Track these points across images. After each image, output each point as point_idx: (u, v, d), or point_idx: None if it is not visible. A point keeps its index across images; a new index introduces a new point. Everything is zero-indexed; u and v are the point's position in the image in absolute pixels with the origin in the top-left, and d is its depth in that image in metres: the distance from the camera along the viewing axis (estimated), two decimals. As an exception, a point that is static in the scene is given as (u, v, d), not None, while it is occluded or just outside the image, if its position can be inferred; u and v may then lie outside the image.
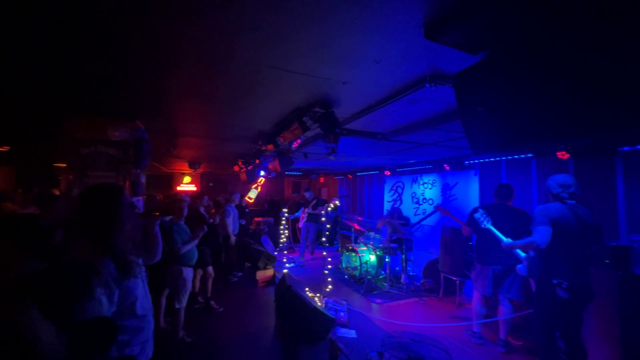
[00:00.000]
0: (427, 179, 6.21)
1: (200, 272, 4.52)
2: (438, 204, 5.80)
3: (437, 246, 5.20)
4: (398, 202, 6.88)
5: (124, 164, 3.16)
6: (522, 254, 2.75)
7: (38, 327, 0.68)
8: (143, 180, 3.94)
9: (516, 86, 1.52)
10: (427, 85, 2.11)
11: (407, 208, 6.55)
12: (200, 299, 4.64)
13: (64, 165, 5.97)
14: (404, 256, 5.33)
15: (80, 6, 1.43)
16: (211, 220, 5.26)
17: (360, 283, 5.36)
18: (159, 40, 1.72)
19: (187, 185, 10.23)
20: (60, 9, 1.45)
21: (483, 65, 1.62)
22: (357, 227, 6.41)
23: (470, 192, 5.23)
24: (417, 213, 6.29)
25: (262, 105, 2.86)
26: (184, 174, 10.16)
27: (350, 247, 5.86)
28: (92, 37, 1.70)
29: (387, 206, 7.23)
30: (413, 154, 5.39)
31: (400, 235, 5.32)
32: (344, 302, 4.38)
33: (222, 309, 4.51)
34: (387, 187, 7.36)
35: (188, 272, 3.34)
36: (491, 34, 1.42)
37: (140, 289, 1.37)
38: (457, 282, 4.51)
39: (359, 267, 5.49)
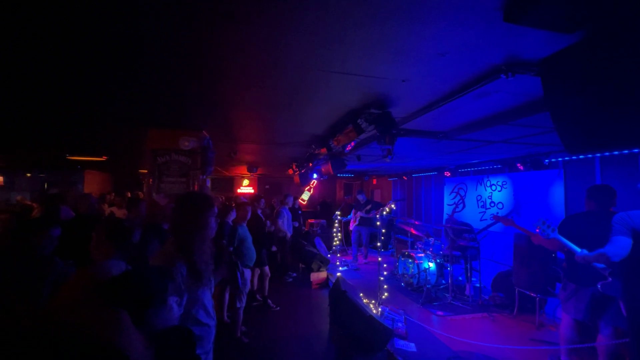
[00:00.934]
0: (496, 180, 5.56)
1: (257, 271, 4.73)
2: (496, 213, 5.13)
3: (508, 256, 4.61)
4: (460, 206, 6.31)
5: (192, 170, 3.47)
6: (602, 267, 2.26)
7: (131, 335, 0.71)
8: (208, 184, 4.29)
9: (628, 69, 1.22)
10: (503, 75, 1.85)
11: (472, 212, 5.96)
12: (258, 297, 4.86)
13: (147, 171, 6.85)
14: (468, 265, 4.84)
15: (163, 38, 1.58)
16: (268, 223, 5.49)
17: (418, 292, 5.04)
18: (220, 52, 1.81)
19: (245, 187, 10.92)
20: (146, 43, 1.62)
21: (581, 46, 1.34)
22: (414, 232, 6.05)
23: (553, 195, 4.51)
24: (483, 218, 5.68)
25: (315, 110, 2.86)
26: (243, 177, 10.87)
27: (406, 253, 5.55)
28: (166, 57, 1.87)
29: (447, 210, 6.69)
30: (479, 153, 4.87)
31: (464, 243, 4.85)
32: (402, 312, 4.14)
33: (278, 308, 4.65)
34: (447, 190, 6.81)
35: (247, 273, 3.51)
36: (596, 6, 1.15)
37: (208, 298, 1.43)
38: (537, 299, 3.92)
39: (416, 275, 5.16)
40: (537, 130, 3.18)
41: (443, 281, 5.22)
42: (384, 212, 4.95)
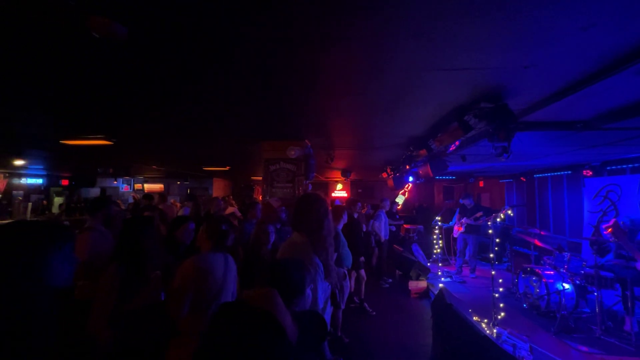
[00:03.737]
0: (672, 179, 4.08)
1: (354, 274, 4.82)
2: None
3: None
4: (611, 214, 4.88)
5: (297, 176, 3.86)
6: None
7: (283, 311, 0.87)
8: (310, 189, 4.66)
9: None
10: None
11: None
12: (355, 299, 4.94)
13: (259, 178, 7.92)
14: (628, 293, 3.68)
15: (280, 58, 1.84)
16: (364, 227, 5.53)
17: (548, 318, 4.13)
18: (325, 67, 1.96)
19: (339, 192, 11.33)
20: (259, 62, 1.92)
21: None
22: (539, 244, 5.01)
23: None
24: (651, 231, 4.23)
25: (416, 111, 2.75)
26: (337, 182, 11.32)
27: (529, 269, 4.65)
28: (280, 75, 2.15)
29: (588, 218, 5.29)
30: (638, 145, 3.69)
31: (619, 262, 3.73)
32: (526, 339, 3.48)
33: (374, 312, 4.61)
34: (587, 193, 5.39)
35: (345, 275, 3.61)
36: None
37: (327, 292, 1.57)
38: None
39: (545, 296, 4.25)
40: None
41: (586, 309, 4.13)
42: (498, 220, 4.30)
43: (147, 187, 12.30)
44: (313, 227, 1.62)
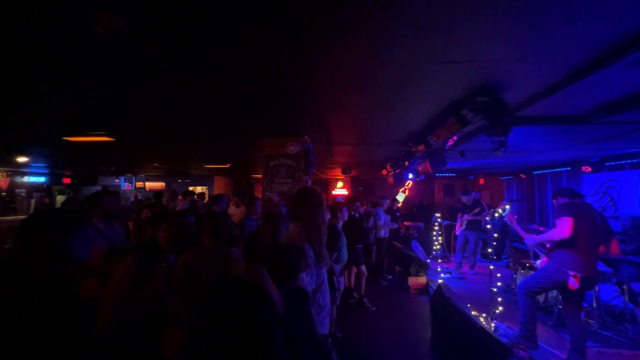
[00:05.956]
0: (671, 175, 4.09)
1: (354, 269, 4.85)
2: None
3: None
4: (610, 210, 4.90)
5: (297, 171, 3.90)
6: None
7: (270, 283, 0.93)
8: (310, 184, 4.70)
9: None
10: (676, 30, 1.39)
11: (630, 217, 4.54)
12: (355, 294, 4.98)
13: (259, 176, 7.96)
14: (625, 287, 3.71)
15: (280, 53, 1.87)
16: (364, 224, 5.56)
17: (546, 312, 4.15)
18: (324, 63, 1.99)
19: (340, 189, 11.36)
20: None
21: None
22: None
23: None
24: (649, 226, 4.26)
25: (413, 105, 2.78)
26: (337, 180, 11.35)
27: (527, 264, 4.67)
28: (279, 71, 2.19)
29: (587, 214, 5.30)
30: (638, 140, 3.71)
31: (617, 257, 3.75)
32: (523, 332, 3.51)
33: (374, 308, 4.64)
34: (586, 189, 5.40)
35: (338, 270, 3.64)
36: None
37: (326, 282, 1.63)
38: None
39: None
40: None
41: (584, 304, 4.15)
42: (496, 215, 4.32)
43: (149, 185, 12.36)
44: (308, 217, 1.73)
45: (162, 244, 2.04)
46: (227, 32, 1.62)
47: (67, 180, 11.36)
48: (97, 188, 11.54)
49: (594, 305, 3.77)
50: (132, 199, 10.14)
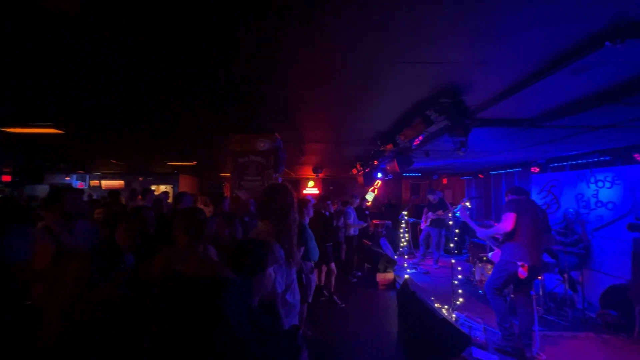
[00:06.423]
0: (603, 175, 4.62)
1: (324, 268, 4.88)
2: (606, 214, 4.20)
3: (622, 266, 3.78)
4: (554, 207, 5.42)
5: (267, 169, 3.83)
6: None
7: (226, 271, 0.89)
8: (280, 182, 4.64)
9: None
10: (608, 43, 1.57)
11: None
12: (325, 292, 5.01)
13: (227, 174, 7.71)
14: (565, 276, 4.13)
15: (245, 49, 1.81)
16: (334, 222, 5.61)
17: (501, 301, 4.49)
18: (292, 57, 1.97)
19: (311, 189, 11.37)
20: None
21: None
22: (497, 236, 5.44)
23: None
24: (587, 220, 4.78)
25: (381, 104, 2.85)
26: (308, 179, 11.35)
27: (485, 258, 5.02)
28: (246, 66, 2.12)
29: (535, 211, 5.81)
30: (577, 143, 4.14)
31: (560, 248, 4.16)
32: (480, 321, 3.77)
33: (344, 305, 4.71)
34: (535, 188, 5.93)
35: (309, 268, 3.64)
36: None
37: (296, 281, 1.59)
38: (668, 321, 3.12)
39: (498, 282, 4.62)
40: (663, 109, 2.56)
41: (532, 292, 4.55)
42: (457, 213, 4.59)
43: (105, 183, 11.41)
44: (278, 216, 1.65)
45: (121, 244, 1.89)
46: (193, 23, 1.53)
47: (6, 178, 10.14)
48: (44, 187, 10.44)
49: (540, 293, 4.15)
50: (85, 198, 9.30)
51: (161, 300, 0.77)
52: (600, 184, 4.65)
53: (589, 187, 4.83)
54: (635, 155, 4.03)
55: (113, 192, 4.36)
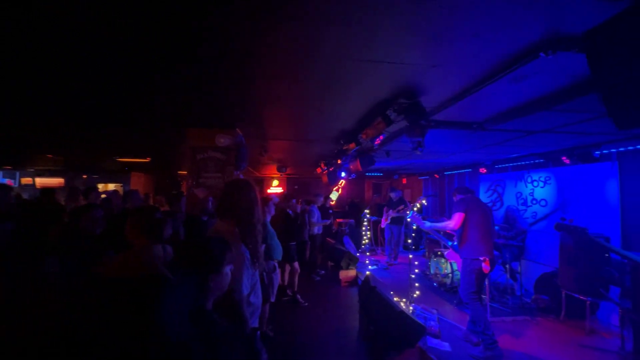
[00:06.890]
0: (538, 175, 5.20)
1: (287, 267, 4.83)
2: (540, 211, 4.75)
3: (553, 257, 4.27)
4: (498, 204, 5.96)
5: (227, 165, 3.67)
6: None
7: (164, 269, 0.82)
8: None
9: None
10: (542, 54, 1.75)
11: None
12: (288, 292, 4.96)
13: (185, 172, 7.27)
14: (507, 266, 4.56)
15: (204, 38, 1.71)
16: (299, 222, 5.58)
17: (452, 292, 4.83)
18: (253, 50, 1.90)
19: (275, 188, 11.20)
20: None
21: (631, 13, 1.24)
22: (447, 231, 5.82)
23: (606, 192, 4.12)
24: (524, 216, 5.32)
25: (345, 102, 2.89)
26: (272, 178, 11.17)
27: (439, 253, 5.36)
28: (205, 57, 2.01)
29: (483, 208, 6.35)
30: (518, 146, 4.59)
31: (502, 242, 4.58)
32: (435, 311, 4.01)
33: (307, 303, 4.70)
34: (482, 187, 6.48)
35: (272, 266, 3.57)
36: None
37: (259, 282, 1.52)
38: (587, 303, 3.59)
39: (450, 275, 4.96)
40: (586, 116, 2.94)
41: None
42: (415, 209, 4.83)
43: (40, 181, 10.11)
44: (242, 214, 1.53)
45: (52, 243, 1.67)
46: (147, 10, 1.40)
47: None
48: (-41, 184, 8.94)
49: (486, 282, 4.53)
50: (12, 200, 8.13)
51: (85, 305, 0.68)
52: (535, 183, 5.22)
53: (526, 186, 5.39)
54: (563, 158, 4.58)
55: (46, 191, 3.80)
